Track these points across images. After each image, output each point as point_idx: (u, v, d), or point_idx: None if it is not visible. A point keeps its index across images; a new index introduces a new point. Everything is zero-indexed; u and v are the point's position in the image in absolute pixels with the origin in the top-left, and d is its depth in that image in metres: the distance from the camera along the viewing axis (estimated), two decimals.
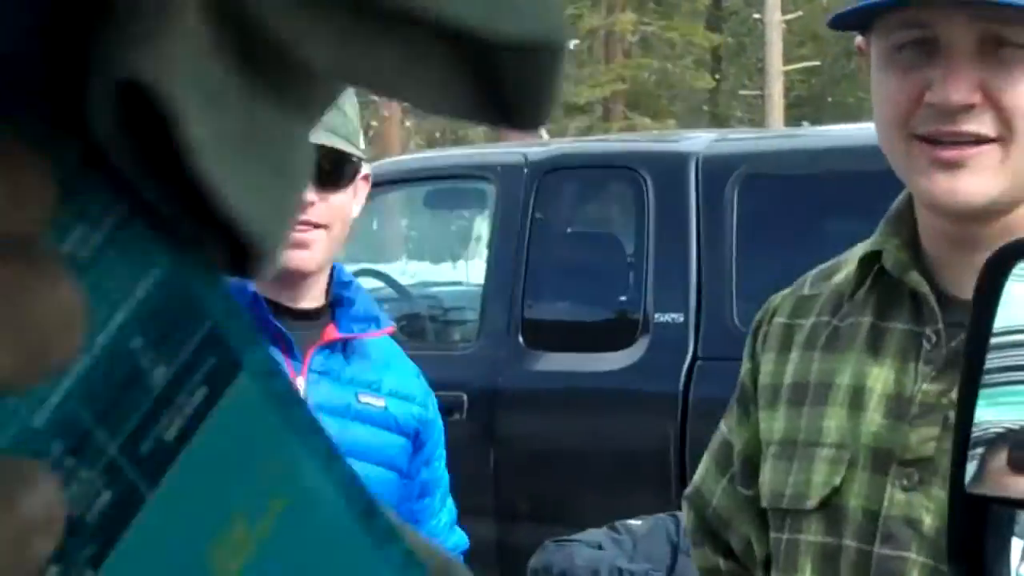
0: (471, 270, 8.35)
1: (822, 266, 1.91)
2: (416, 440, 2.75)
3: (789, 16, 28.58)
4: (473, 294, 6.91)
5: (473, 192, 7.30)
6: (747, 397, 1.87)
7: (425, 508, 2.80)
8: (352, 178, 2.64)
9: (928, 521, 1.64)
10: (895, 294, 1.74)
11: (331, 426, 2.58)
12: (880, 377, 1.72)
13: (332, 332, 2.68)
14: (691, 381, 5.85)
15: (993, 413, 1.23)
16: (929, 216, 1.72)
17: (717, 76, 32.42)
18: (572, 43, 28.40)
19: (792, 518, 1.75)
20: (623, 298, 6.55)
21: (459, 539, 2.93)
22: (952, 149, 1.63)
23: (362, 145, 2.67)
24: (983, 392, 1.22)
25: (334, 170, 2.59)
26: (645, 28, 30.75)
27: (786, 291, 1.91)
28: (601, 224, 7.38)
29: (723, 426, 1.94)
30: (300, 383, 2.60)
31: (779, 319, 1.86)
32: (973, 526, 1.25)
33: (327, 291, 2.71)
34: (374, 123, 27.54)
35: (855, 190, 5.93)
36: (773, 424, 1.80)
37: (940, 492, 1.62)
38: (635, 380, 5.99)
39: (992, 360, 1.23)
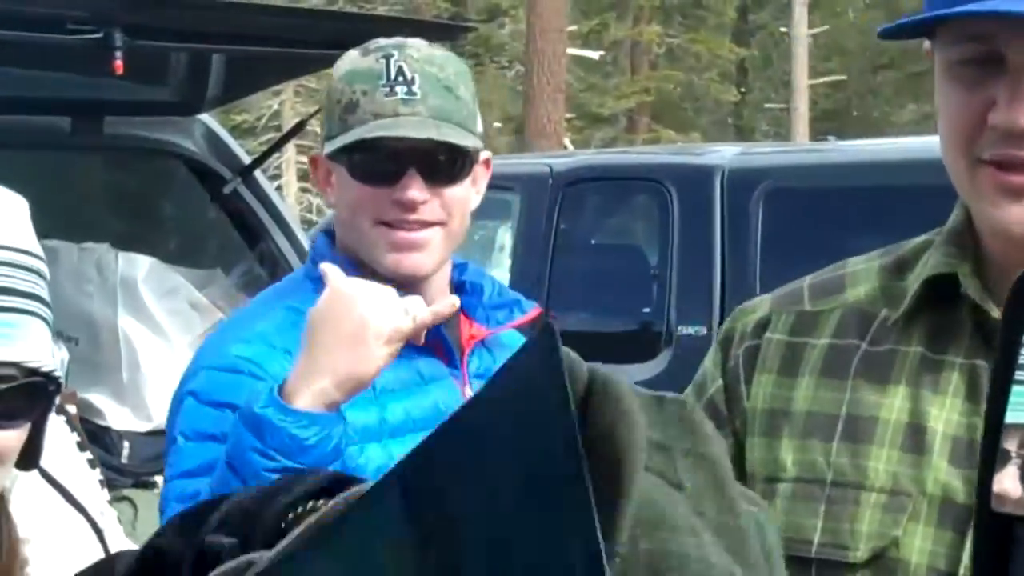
0: None
1: (813, 278, 1.73)
2: None
3: (815, 30, 28.53)
4: None
5: (497, 202, 7.29)
6: (719, 420, 1.63)
7: None
8: (469, 169, 2.37)
9: None
10: (953, 323, 1.58)
11: None
12: (942, 417, 1.55)
13: (479, 329, 2.43)
14: None
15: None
16: (996, 244, 1.58)
17: (743, 89, 32.37)
18: (597, 54, 28.39)
19: (823, 568, 1.57)
20: (647, 310, 6.53)
21: None
22: (1021, 174, 1.52)
23: (479, 129, 2.39)
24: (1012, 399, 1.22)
25: (447, 164, 2.33)
26: (671, 40, 30.71)
27: (764, 302, 1.72)
28: (625, 236, 7.37)
29: None
30: (469, 393, 2.37)
31: (775, 335, 1.67)
32: (998, 545, 1.24)
33: (449, 284, 2.44)
34: None
35: (879, 204, 5.91)
36: (778, 456, 1.62)
37: None
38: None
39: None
